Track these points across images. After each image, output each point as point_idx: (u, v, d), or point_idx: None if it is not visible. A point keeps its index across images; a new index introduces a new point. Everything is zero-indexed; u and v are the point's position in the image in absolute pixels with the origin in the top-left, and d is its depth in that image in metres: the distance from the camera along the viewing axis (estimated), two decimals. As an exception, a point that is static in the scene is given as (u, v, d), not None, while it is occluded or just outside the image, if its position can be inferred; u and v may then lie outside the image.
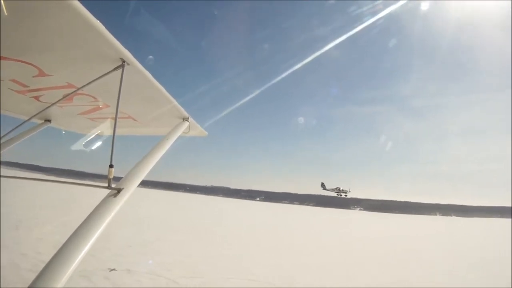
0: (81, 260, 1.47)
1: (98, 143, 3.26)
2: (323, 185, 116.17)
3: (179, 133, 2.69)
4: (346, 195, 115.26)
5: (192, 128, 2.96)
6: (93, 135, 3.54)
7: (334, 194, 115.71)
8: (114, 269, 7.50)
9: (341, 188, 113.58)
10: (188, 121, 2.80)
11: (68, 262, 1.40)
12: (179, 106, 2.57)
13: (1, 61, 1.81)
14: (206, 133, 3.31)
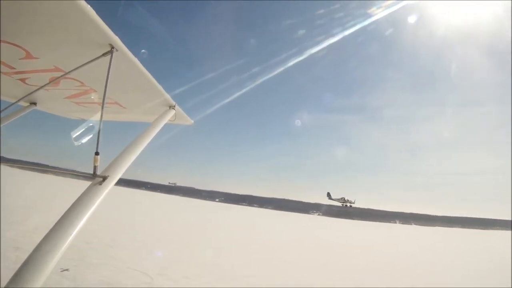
0: (66, 249, 1.48)
1: (82, 130, 3.25)
2: (329, 194, 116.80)
3: (165, 120, 2.74)
4: (351, 206, 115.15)
5: (179, 116, 3.01)
6: (78, 120, 3.56)
7: (339, 204, 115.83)
8: (66, 270, 6.88)
9: (346, 198, 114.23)
10: (174, 109, 2.85)
11: (54, 250, 1.43)
12: (166, 94, 2.62)
13: None
14: (192, 121, 3.36)
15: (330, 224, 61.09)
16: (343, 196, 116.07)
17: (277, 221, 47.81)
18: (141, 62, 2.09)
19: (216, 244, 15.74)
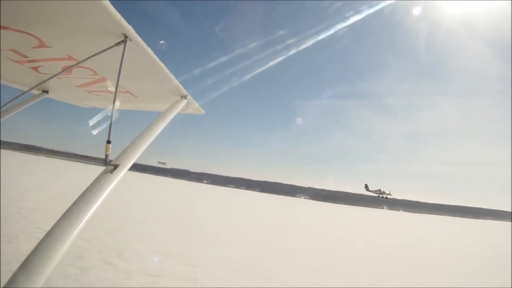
0: (76, 236, 1.49)
1: (94, 118, 3.25)
2: (366, 186, 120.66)
3: (177, 110, 2.71)
4: (387, 197, 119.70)
5: (190, 106, 2.98)
6: (90, 108, 3.57)
7: (375, 195, 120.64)
8: None
9: (382, 190, 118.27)
10: (186, 98, 2.82)
11: (64, 236, 1.44)
12: (178, 83, 2.59)
13: (2, 30, 1.81)
14: (204, 111, 3.34)
15: (296, 205, 63.76)
16: (379, 188, 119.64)
17: (237, 200, 50.07)
18: (155, 52, 2.06)
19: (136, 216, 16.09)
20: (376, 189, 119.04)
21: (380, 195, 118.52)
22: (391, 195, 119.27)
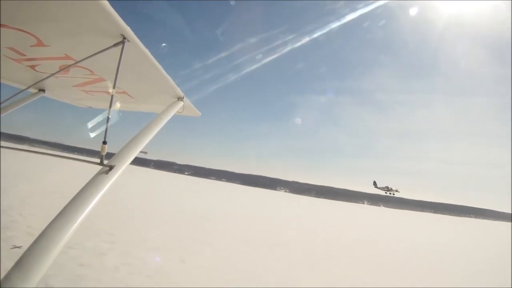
0: (70, 236, 1.49)
1: (92, 118, 3.25)
2: (375, 183, 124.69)
3: (173, 112, 2.72)
4: (394, 194, 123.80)
5: (186, 108, 3.00)
6: (87, 108, 3.57)
7: (382, 192, 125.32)
8: (19, 247, 6.68)
9: (390, 187, 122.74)
10: (183, 100, 2.84)
11: (58, 237, 1.44)
12: (175, 85, 2.60)
13: (1, 28, 1.81)
14: (200, 113, 3.35)
15: (266, 197, 65.14)
16: (387, 185, 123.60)
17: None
18: (153, 54, 2.07)
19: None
20: (384, 186, 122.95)
21: (388, 192, 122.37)
22: (398, 192, 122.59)
